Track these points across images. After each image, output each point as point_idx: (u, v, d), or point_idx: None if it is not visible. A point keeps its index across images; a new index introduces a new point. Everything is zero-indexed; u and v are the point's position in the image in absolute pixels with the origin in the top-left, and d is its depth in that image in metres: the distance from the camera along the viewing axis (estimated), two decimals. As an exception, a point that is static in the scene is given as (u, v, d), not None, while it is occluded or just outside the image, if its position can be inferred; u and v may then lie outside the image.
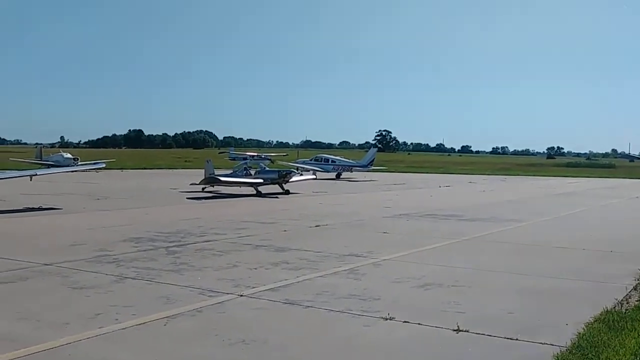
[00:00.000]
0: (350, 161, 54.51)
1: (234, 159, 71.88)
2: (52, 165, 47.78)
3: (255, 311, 8.04)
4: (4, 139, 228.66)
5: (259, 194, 29.05)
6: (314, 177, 40.38)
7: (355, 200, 28.45)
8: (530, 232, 17.61)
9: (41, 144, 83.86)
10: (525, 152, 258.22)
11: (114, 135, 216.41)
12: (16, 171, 30.66)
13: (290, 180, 31.17)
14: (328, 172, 50.61)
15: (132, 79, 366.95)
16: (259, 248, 13.32)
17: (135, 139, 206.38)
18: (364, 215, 21.32)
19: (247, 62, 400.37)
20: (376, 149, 61.00)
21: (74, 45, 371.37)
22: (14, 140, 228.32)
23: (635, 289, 9.83)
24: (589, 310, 8.15)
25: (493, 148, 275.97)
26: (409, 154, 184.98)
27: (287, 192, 30.34)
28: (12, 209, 20.57)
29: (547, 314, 8.23)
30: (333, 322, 7.59)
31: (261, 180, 29.92)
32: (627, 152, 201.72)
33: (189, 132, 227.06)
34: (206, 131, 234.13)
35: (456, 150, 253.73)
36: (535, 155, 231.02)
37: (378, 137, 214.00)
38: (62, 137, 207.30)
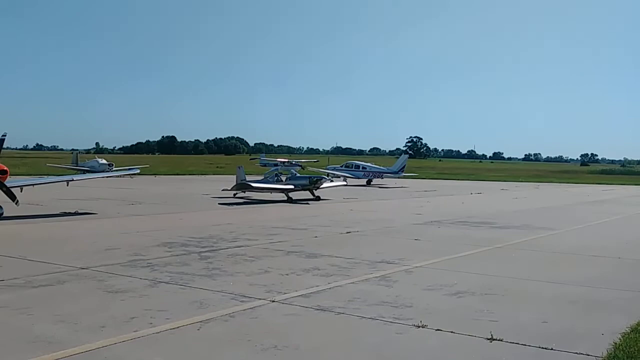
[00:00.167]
0: (381, 168, 54.34)
1: (264, 165, 72.18)
2: (88, 171, 48.77)
3: (287, 317, 8.08)
4: (41, 145, 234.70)
5: (290, 200, 29.17)
6: (345, 183, 40.39)
7: (386, 207, 28.36)
8: (564, 240, 17.33)
9: (77, 149, 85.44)
10: (558, 159, 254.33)
11: (148, 141, 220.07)
12: (54, 176, 31.42)
13: (321, 186, 31.23)
14: (359, 178, 50.57)
15: (165, 86, 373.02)
16: (291, 254, 13.38)
17: (168, 145, 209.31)
18: (395, 222, 21.25)
19: (278, 69, 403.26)
20: (407, 156, 60.55)
21: (107, 55, 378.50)
22: (51, 147, 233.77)
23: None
24: (624, 320, 8.01)
25: (525, 155, 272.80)
26: (439, 160, 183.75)
27: (317, 199, 30.41)
28: (49, 213, 21.04)
29: (581, 323, 8.10)
30: (365, 329, 7.59)
31: (292, 187, 30.05)
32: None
33: (220, 139, 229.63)
34: (237, 137, 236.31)
35: (487, 156, 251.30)
36: (569, 162, 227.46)
37: (409, 144, 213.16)
38: (97, 144, 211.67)
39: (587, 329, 7.78)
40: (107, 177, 39.80)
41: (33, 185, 22.81)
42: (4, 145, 18.28)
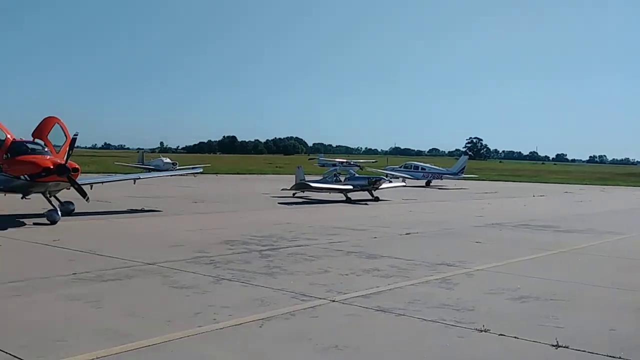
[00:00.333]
0: (441, 169, 53.76)
1: (323, 165, 72.57)
2: (153, 170, 50.19)
3: (348, 317, 8.11)
4: (109, 144, 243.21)
5: (348, 201, 29.22)
6: (404, 184, 40.16)
7: (446, 209, 28.03)
8: (631, 245, 16.70)
9: (143, 149, 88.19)
10: (625, 162, 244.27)
11: (209, 141, 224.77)
12: (121, 175, 32.60)
13: (380, 187, 31.14)
14: (418, 179, 50.17)
15: (226, 88, 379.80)
16: (350, 254, 13.42)
17: (229, 145, 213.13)
18: (455, 223, 20.98)
19: (335, 70, 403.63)
20: (467, 157, 59.70)
21: (170, 57, 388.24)
22: (118, 146, 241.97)
23: None
24: (700, 330, 7.67)
25: (590, 157, 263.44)
26: (500, 162, 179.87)
27: (376, 199, 30.35)
28: (117, 210, 21.81)
29: (653, 332, 7.81)
30: (426, 332, 7.54)
31: (351, 187, 30.09)
32: None
33: (279, 139, 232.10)
34: (296, 137, 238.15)
35: (550, 158, 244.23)
36: (636, 164, 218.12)
37: (468, 145, 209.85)
38: (161, 143, 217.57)
39: (659, 338, 7.49)
40: (171, 175, 40.88)
41: (102, 182, 23.66)
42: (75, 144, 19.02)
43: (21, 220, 17.80)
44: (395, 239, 16.48)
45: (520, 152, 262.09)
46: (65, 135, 19.87)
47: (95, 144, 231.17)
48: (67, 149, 18.90)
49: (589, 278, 11.42)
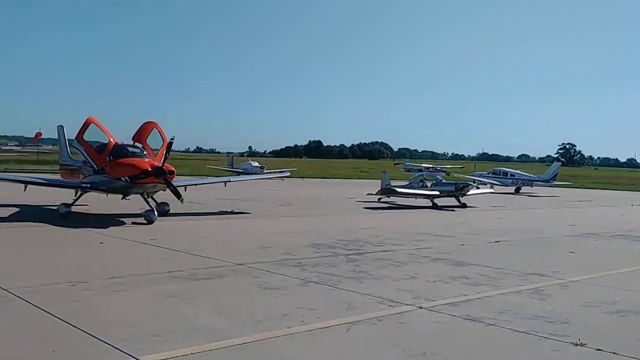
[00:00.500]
0: (531, 175, 51.92)
1: (408, 170, 72.02)
2: (241, 173, 51.50)
3: (436, 325, 8.01)
4: (201, 148, 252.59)
5: (435, 206, 28.83)
6: (492, 191, 39.17)
7: (537, 217, 27.08)
8: None
9: (232, 152, 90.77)
10: None
11: (296, 145, 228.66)
12: (213, 177, 33.78)
13: (467, 193, 30.52)
14: (507, 186, 48.76)
15: (313, 94, 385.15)
16: (437, 261, 13.24)
17: (315, 149, 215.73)
18: (547, 232, 20.24)
19: (421, 74, 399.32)
20: (559, 163, 57.22)
21: (259, 67, 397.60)
22: (209, 149, 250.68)
23: None
24: None
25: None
26: (595, 169, 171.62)
27: (463, 206, 29.76)
28: (209, 211, 22.55)
29: None
30: (518, 343, 7.32)
31: (437, 193, 29.68)
32: None
33: (364, 143, 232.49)
34: (381, 142, 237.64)
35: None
36: None
37: (561, 151, 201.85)
38: (250, 147, 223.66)
39: None
40: (260, 179, 41.79)
41: (195, 185, 24.53)
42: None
43: (121, 219, 18.76)
44: (484, 246, 16.11)
45: (617, 159, 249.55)
46: (163, 139, 20.78)
47: (188, 148, 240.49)
48: (164, 152, 19.80)
49: (695, 294, 10.71)
